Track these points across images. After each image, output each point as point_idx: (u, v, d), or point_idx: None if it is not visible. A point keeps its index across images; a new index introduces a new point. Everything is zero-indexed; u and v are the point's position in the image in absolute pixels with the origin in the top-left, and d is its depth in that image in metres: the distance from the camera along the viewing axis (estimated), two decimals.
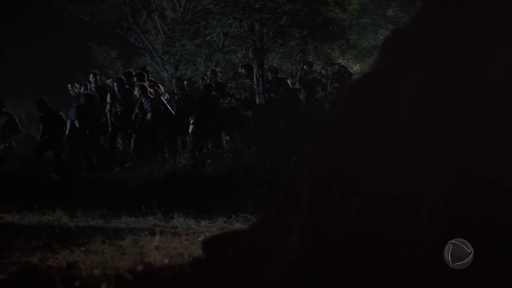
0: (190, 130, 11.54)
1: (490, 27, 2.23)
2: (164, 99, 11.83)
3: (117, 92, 11.73)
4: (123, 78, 12.13)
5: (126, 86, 11.79)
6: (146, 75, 12.43)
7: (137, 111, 11.41)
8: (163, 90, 12.27)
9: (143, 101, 11.21)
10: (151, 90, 11.56)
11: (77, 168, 11.17)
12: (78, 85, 12.74)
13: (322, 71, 12.85)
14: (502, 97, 2.11)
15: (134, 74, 12.67)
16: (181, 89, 12.15)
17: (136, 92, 11.46)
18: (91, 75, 12.85)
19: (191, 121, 11.56)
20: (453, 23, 2.34)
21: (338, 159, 2.46)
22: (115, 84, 11.88)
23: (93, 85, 12.40)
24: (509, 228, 1.98)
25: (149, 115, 11.20)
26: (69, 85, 12.78)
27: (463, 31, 2.29)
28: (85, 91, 11.93)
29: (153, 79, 13.10)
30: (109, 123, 11.72)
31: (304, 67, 12.69)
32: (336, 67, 12.64)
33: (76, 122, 11.12)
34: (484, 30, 2.24)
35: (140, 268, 2.93)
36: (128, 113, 11.49)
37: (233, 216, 8.07)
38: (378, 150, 2.34)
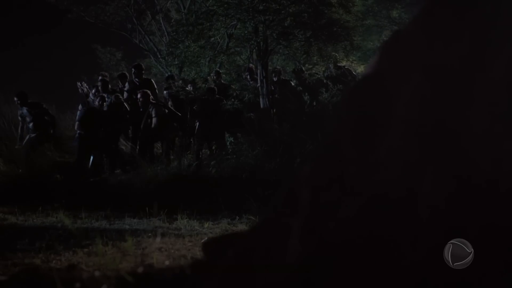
0: (194, 132, 11.59)
1: (489, 26, 2.22)
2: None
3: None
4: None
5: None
6: (139, 71, 12.48)
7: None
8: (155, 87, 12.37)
9: (148, 107, 11.28)
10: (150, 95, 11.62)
11: (84, 170, 11.18)
12: (86, 85, 12.78)
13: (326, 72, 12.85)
14: (502, 98, 2.11)
15: (127, 76, 12.77)
16: (183, 90, 12.22)
17: (140, 97, 11.49)
18: (100, 78, 12.88)
19: (196, 123, 11.61)
20: (453, 24, 2.34)
21: (338, 160, 2.45)
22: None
23: (101, 88, 12.42)
24: (509, 230, 1.97)
25: (154, 120, 11.25)
26: (78, 83, 12.83)
27: (463, 31, 2.29)
28: (96, 93, 11.97)
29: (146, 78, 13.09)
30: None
31: (273, 75, 12.62)
32: (340, 71, 12.64)
33: (76, 124, 11.15)
34: (483, 30, 2.23)
35: (140, 269, 2.93)
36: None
37: (237, 217, 8.08)
38: (378, 152, 2.34)
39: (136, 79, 12.41)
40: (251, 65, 12.61)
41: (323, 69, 12.91)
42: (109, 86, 12.41)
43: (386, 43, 2.71)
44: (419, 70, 2.38)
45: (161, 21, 16.97)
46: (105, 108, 11.49)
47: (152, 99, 11.49)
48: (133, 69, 12.65)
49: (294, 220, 2.43)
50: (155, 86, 12.59)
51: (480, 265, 2.00)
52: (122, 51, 19.90)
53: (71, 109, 13.57)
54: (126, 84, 12.53)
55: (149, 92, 11.59)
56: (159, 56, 16.39)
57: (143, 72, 12.80)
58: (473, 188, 2.08)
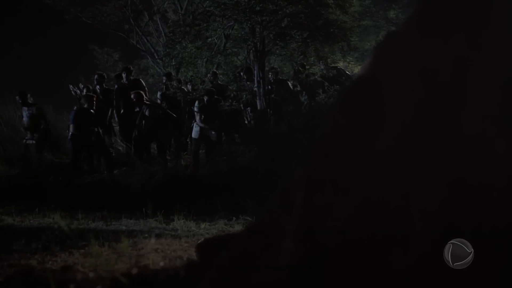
0: (192, 133, 11.58)
1: (481, 28, 2.22)
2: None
3: None
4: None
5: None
6: (128, 74, 12.45)
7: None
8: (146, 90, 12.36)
9: (142, 108, 11.27)
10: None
11: (79, 170, 11.15)
12: (81, 86, 12.76)
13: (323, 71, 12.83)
14: (495, 99, 2.11)
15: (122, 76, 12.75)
16: (180, 91, 12.21)
17: (133, 98, 11.49)
18: (95, 77, 12.84)
19: (193, 124, 11.60)
20: (446, 25, 2.34)
21: (332, 162, 2.45)
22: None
23: (98, 88, 12.40)
24: (502, 232, 1.98)
25: (148, 121, 11.24)
26: (71, 86, 12.82)
27: (455, 33, 2.29)
28: (86, 93, 11.94)
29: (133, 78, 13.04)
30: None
31: (270, 75, 12.58)
32: (335, 71, 12.64)
33: (71, 126, 11.11)
34: (475, 32, 2.24)
35: (135, 271, 2.93)
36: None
37: (234, 218, 8.06)
38: (371, 153, 2.34)
39: (126, 82, 12.40)
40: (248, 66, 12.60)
41: (319, 69, 12.90)
42: (28, 98, 12.24)
43: (380, 44, 2.71)
44: (413, 71, 2.38)
45: (158, 22, 16.96)
46: (24, 120, 11.72)
47: (146, 100, 11.48)
48: (123, 72, 12.61)
49: (288, 221, 2.44)
50: (144, 85, 12.59)
51: (472, 269, 2.00)
52: (119, 52, 19.89)
53: (68, 111, 13.53)
54: (115, 86, 12.54)
55: (142, 92, 11.58)
56: (156, 57, 16.37)
57: (132, 74, 12.78)
58: (466, 189, 2.08)
